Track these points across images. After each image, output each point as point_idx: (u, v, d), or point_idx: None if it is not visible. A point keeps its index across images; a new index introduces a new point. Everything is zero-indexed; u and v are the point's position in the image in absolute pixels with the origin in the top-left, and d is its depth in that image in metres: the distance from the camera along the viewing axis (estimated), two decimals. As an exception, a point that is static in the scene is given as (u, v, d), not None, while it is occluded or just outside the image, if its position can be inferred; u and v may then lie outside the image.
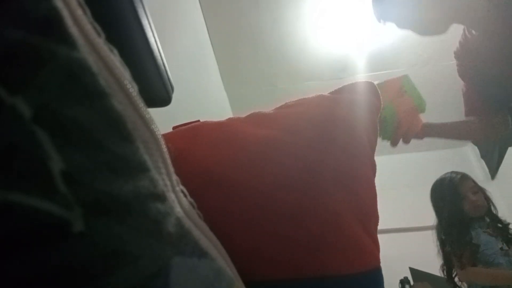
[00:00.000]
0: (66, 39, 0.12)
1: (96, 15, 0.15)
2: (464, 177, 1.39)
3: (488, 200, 1.38)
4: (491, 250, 1.26)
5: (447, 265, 1.38)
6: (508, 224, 1.34)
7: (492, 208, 1.37)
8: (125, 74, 0.16)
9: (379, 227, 0.36)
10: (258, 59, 2.00)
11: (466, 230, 1.30)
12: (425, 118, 0.76)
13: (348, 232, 0.30)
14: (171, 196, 0.18)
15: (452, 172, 1.42)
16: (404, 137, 0.69)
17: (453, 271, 1.36)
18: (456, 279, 1.36)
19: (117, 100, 0.14)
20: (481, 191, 1.38)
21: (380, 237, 0.35)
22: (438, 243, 1.42)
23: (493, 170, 2.21)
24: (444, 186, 1.39)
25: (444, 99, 2.00)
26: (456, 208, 1.33)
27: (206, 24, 1.83)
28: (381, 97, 0.46)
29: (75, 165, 0.13)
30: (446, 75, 1.94)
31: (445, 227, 1.36)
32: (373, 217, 0.35)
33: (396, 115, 0.65)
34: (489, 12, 0.80)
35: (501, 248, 1.26)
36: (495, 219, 1.35)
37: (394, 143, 0.70)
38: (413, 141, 0.73)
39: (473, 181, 1.39)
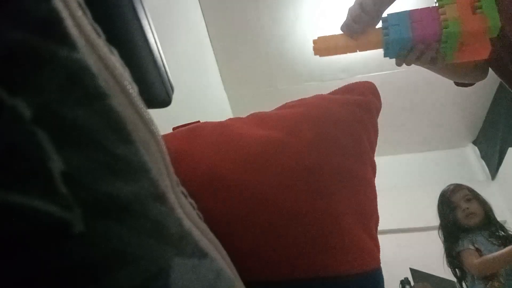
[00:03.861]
0: (66, 40, 0.12)
1: (96, 16, 0.15)
2: (457, 187, 1.41)
3: (483, 204, 1.37)
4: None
5: (459, 266, 1.37)
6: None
7: (490, 213, 1.37)
8: (125, 75, 0.16)
9: (380, 227, 0.36)
10: (258, 59, 1.99)
11: (456, 240, 1.33)
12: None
13: (348, 232, 0.30)
14: (171, 197, 0.18)
15: (449, 184, 1.46)
16: (466, 57, 0.61)
17: (463, 268, 1.35)
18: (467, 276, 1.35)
19: (117, 101, 0.14)
20: (475, 198, 1.38)
21: (381, 238, 0.35)
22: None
23: (494, 170, 2.21)
24: (440, 199, 1.43)
25: (445, 98, 2.00)
26: (449, 218, 1.36)
27: (206, 25, 1.83)
28: (381, 97, 0.46)
29: (75, 166, 0.13)
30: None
31: (444, 236, 1.40)
32: (373, 218, 0.35)
33: (461, 33, 0.57)
34: None
35: None
36: (496, 226, 1.35)
37: (451, 60, 0.62)
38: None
39: (468, 189, 1.41)
